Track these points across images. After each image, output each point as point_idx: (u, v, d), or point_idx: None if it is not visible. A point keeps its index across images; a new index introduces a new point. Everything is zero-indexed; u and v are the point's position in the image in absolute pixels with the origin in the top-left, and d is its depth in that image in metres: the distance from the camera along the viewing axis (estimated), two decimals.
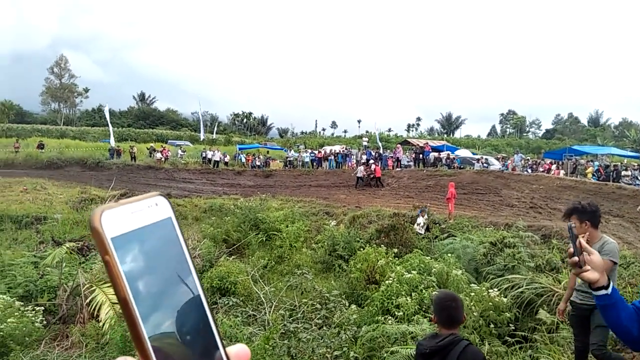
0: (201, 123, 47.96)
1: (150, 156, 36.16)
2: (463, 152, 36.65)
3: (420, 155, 29.99)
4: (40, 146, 37.49)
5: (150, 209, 0.57)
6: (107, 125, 40.63)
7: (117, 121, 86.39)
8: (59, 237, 14.67)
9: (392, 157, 31.74)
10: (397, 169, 29.15)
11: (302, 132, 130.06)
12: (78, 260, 11.50)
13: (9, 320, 7.62)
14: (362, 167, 25.37)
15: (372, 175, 25.36)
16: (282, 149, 47.59)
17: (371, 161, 27.54)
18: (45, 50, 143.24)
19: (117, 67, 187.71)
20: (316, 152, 36.55)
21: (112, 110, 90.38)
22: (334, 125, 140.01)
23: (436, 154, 30.46)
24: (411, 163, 31.23)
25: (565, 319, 5.12)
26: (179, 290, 0.55)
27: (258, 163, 35.27)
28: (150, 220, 0.56)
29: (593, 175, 24.03)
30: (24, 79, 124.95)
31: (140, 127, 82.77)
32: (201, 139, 43.93)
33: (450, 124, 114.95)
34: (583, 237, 3.57)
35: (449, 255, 9.65)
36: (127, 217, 0.53)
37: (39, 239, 15.37)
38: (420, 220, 13.49)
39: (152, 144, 41.71)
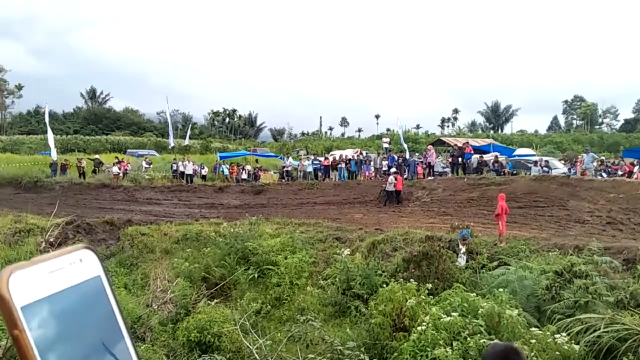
0: (170, 126, 47.93)
1: (96, 171, 36.24)
2: (523, 151, 36.56)
3: (459, 159, 29.92)
4: None
5: (73, 267, 0.57)
6: (47, 132, 40.61)
7: (61, 127, 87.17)
8: None
9: (421, 162, 31.74)
10: (429, 178, 29.12)
11: (302, 133, 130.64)
12: None
13: None
14: (392, 178, 25.30)
15: (390, 189, 25.48)
16: (276, 157, 47.83)
17: (392, 170, 27.56)
18: None
19: (59, 56, 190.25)
20: (322, 158, 36.59)
21: (54, 113, 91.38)
22: (344, 122, 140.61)
23: (480, 157, 30.41)
24: (447, 169, 31.11)
25: None
26: None
27: (245, 176, 35.41)
28: (72, 281, 0.56)
29: None
30: None
31: (90, 134, 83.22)
32: (170, 147, 44.09)
33: (497, 116, 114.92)
34: None
35: (501, 290, 9.59)
36: (43, 278, 0.53)
37: None
38: (463, 249, 13.44)
39: (96, 156, 41.46)
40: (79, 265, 0.56)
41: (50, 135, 38.86)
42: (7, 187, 33.26)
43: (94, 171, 36.52)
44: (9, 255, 17.71)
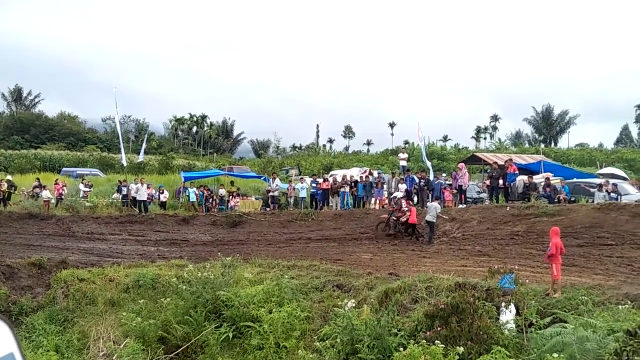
0: (120, 137, 47.77)
1: (8, 197, 36.13)
2: (612, 171, 36.49)
3: (500, 181, 29.99)
4: None
5: None
6: None
7: None
8: None
9: (450, 185, 31.78)
10: (461, 206, 29.16)
11: (293, 147, 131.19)
12: None
13: None
14: (437, 205, 25.50)
15: (403, 220, 25.92)
16: (259, 177, 47.77)
17: (398, 195, 28.12)
18: None
19: None
20: (320, 180, 36.62)
21: None
22: (348, 132, 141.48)
23: (527, 178, 30.46)
24: (484, 195, 31.15)
25: None
26: None
27: (216, 202, 35.44)
28: None
29: None
30: None
31: (14, 147, 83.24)
32: (124, 164, 43.90)
33: (550, 125, 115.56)
34: None
35: (555, 355, 9.54)
36: None
37: None
38: (510, 310, 13.29)
39: (8, 177, 41.39)
40: None
41: None
42: None
43: (6, 197, 36.18)
44: None
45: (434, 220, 24.93)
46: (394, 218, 26.40)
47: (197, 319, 15.66)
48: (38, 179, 39.78)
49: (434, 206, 25.28)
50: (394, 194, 29.41)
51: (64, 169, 59.66)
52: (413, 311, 14.00)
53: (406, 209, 26.13)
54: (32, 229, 30.30)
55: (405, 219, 25.87)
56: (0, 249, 24.64)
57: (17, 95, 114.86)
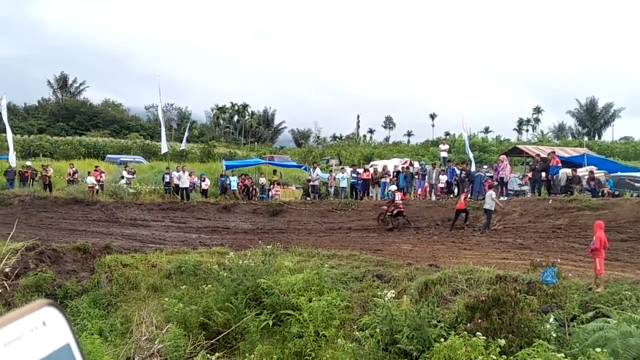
0: (162, 125, 47.86)
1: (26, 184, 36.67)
2: None
3: (542, 174, 29.69)
4: None
5: (35, 334, 0.57)
6: (5, 130, 40.96)
7: (22, 124, 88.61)
8: None
9: (491, 177, 31.51)
10: (502, 199, 28.89)
11: (334, 137, 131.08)
12: None
13: None
14: (493, 193, 25.72)
15: (395, 212, 26.57)
16: (300, 167, 47.84)
17: (392, 188, 28.76)
18: None
19: (20, 32, 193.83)
20: (360, 170, 36.57)
21: (13, 106, 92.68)
22: (388, 123, 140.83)
23: (571, 172, 30.07)
24: (526, 187, 30.83)
25: None
26: None
27: (257, 191, 35.56)
28: (36, 354, 0.56)
29: None
30: None
31: (59, 133, 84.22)
32: (163, 152, 44.28)
33: (594, 118, 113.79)
34: None
35: (598, 350, 9.43)
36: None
37: None
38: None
39: (28, 163, 41.52)
40: (42, 331, 0.57)
41: (9, 134, 39.07)
42: None
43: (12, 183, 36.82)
44: None
45: (492, 208, 24.87)
46: (389, 212, 26.82)
47: (238, 306, 15.73)
48: (72, 164, 40.26)
49: (490, 194, 25.17)
50: (389, 187, 29.99)
51: (108, 155, 60.28)
52: (453, 303, 13.93)
53: (399, 201, 26.60)
54: (77, 214, 30.76)
55: (396, 211, 26.40)
56: (46, 234, 25.05)
57: (62, 82, 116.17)
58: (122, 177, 38.28)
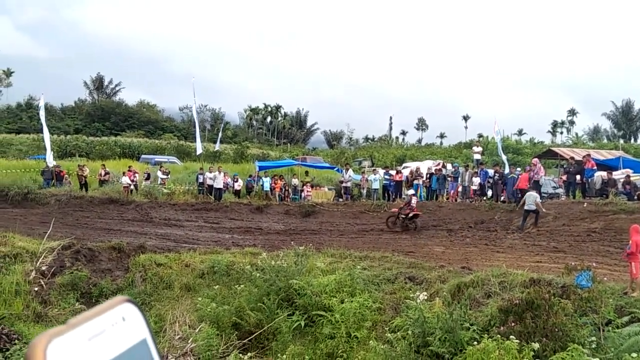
0: (197, 126, 48.28)
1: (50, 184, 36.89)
2: None
3: (577, 177, 29.38)
4: None
5: (115, 329, 0.60)
6: (42, 130, 41.39)
7: (58, 124, 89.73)
8: None
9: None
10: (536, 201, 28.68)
11: (366, 139, 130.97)
12: None
13: None
14: (535, 194, 25.58)
15: (410, 215, 26.58)
16: (332, 168, 47.92)
17: (409, 192, 28.84)
18: None
19: (57, 34, 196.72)
20: (392, 172, 36.49)
21: (50, 106, 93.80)
22: (421, 125, 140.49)
23: (606, 175, 29.72)
24: (560, 190, 30.53)
25: None
26: None
27: (290, 192, 35.61)
28: (116, 349, 0.59)
29: None
30: None
31: (95, 134, 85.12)
32: (197, 153, 44.58)
33: (630, 120, 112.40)
34: None
35: (634, 355, 9.32)
36: (83, 347, 0.55)
37: None
38: None
39: (53, 162, 41.49)
40: (121, 327, 0.61)
41: (46, 134, 39.55)
42: None
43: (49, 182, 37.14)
44: None
45: (533, 208, 24.72)
46: (403, 215, 26.75)
47: (270, 307, 15.76)
48: (103, 165, 40.61)
49: (533, 195, 25.02)
50: (407, 191, 30.25)
51: (143, 156, 60.81)
52: (486, 306, 13.83)
53: (414, 205, 26.84)
54: (112, 214, 31.07)
55: (411, 215, 26.41)
56: (82, 233, 25.33)
57: (98, 83, 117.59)
58: (147, 178, 38.45)
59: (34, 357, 0.49)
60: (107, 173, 37.77)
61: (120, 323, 0.60)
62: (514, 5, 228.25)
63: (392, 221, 27.49)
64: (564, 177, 30.66)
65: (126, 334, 0.60)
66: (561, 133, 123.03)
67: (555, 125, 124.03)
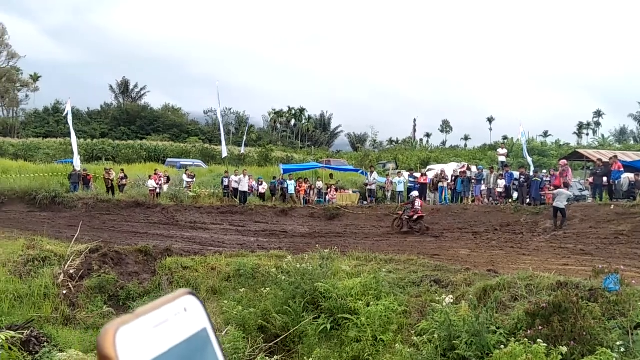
0: (221, 129, 48.13)
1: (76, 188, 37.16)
2: None
3: (604, 179, 29.12)
4: None
5: (178, 319, 0.65)
6: (70, 134, 41.74)
7: (85, 128, 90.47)
8: None
9: (550, 182, 31.03)
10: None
11: (390, 141, 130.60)
12: None
13: None
14: (566, 192, 25.59)
15: (415, 217, 26.70)
16: (356, 171, 47.83)
17: (414, 194, 28.95)
18: None
19: (84, 38, 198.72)
20: (417, 174, 36.41)
21: (77, 110, 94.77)
22: (445, 127, 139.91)
23: (633, 176, 29.43)
24: (587, 192, 30.28)
25: None
26: None
27: (314, 197, 35.64)
28: (179, 336, 0.64)
29: None
30: None
31: (121, 137, 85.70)
32: (223, 156, 44.72)
33: None
34: None
35: None
36: (149, 335, 0.60)
37: None
38: None
39: (79, 166, 41.38)
40: (183, 316, 0.66)
41: (73, 138, 40.03)
42: (19, 203, 34.61)
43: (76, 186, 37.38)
44: (20, 289, 18.35)
45: (562, 206, 24.57)
46: (407, 216, 26.93)
47: (296, 310, 15.78)
48: (122, 169, 40.77)
49: (565, 193, 24.91)
50: (411, 193, 30.03)
51: (168, 159, 61.20)
52: (512, 309, 13.76)
53: (418, 207, 26.95)
54: (139, 217, 31.31)
55: (416, 217, 26.56)
56: (109, 236, 25.53)
57: (124, 87, 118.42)
58: (167, 181, 38.43)
59: (105, 343, 0.53)
60: (124, 177, 37.91)
61: (182, 313, 0.65)
62: (539, 6, 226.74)
63: (398, 224, 27.68)
64: (591, 179, 30.44)
65: (188, 323, 0.65)
66: (587, 135, 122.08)
67: (581, 126, 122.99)
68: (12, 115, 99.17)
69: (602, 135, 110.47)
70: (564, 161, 33.33)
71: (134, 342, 0.55)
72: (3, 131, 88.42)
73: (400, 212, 27.55)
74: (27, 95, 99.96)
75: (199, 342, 0.65)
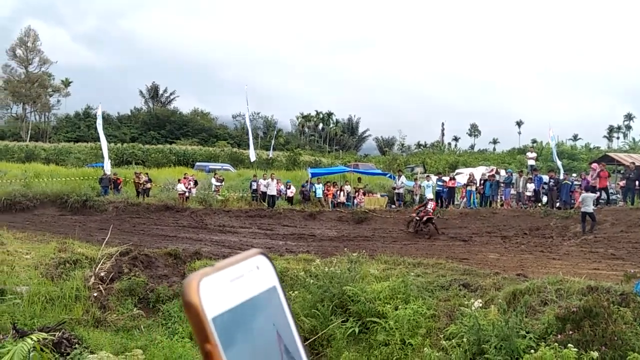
0: (250, 133, 48.38)
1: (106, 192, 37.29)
2: None
3: (636, 183, 28.83)
4: None
5: (251, 275, 0.71)
6: (100, 139, 42.03)
7: (115, 132, 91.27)
8: (23, 324, 15.47)
9: (580, 185, 30.76)
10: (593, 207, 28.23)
11: (418, 145, 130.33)
12: None
13: None
14: (592, 195, 25.54)
15: (425, 218, 26.87)
16: (384, 175, 47.72)
17: (429, 196, 29.82)
18: (2, 21, 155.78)
19: (114, 44, 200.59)
20: (445, 178, 36.25)
21: (107, 115, 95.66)
22: (474, 130, 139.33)
23: None
24: (618, 196, 29.98)
25: None
26: None
27: (343, 199, 35.60)
28: (252, 290, 0.69)
29: None
30: None
31: (151, 142, 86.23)
32: (251, 160, 44.93)
33: None
34: None
35: None
36: (227, 287, 0.65)
37: None
38: None
39: (108, 169, 40.74)
40: (256, 274, 0.71)
41: (103, 143, 40.37)
42: (51, 206, 34.93)
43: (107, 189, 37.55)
44: (51, 292, 18.50)
45: (591, 210, 24.35)
46: (417, 218, 27.16)
47: (324, 313, 15.79)
48: (147, 173, 40.83)
49: (590, 197, 24.77)
50: (427, 196, 30.81)
51: (197, 163, 61.40)
52: (542, 313, 13.65)
53: (430, 210, 27.10)
54: (168, 221, 31.48)
55: (425, 218, 26.74)
56: (139, 239, 25.73)
57: (154, 92, 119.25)
58: (212, 185, 38.75)
59: (190, 291, 0.59)
60: (148, 181, 38.03)
61: (255, 270, 0.71)
62: (568, 10, 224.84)
63: (413, 226, 27.87)
64: (622, 183, 30.15)
65: (260, 280, 0.71)
66: (617, 138, 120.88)
67: (611, 130, 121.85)
68: (44, 120, 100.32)
69: (633, 139, 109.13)
70: (596, 164, 33.03)
71: (214, 292, 0.61)
72: (35, 136, 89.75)
73: (414, 214, 27.66)
74: (58, 101, 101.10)
75: (270, 299, 0.72)
